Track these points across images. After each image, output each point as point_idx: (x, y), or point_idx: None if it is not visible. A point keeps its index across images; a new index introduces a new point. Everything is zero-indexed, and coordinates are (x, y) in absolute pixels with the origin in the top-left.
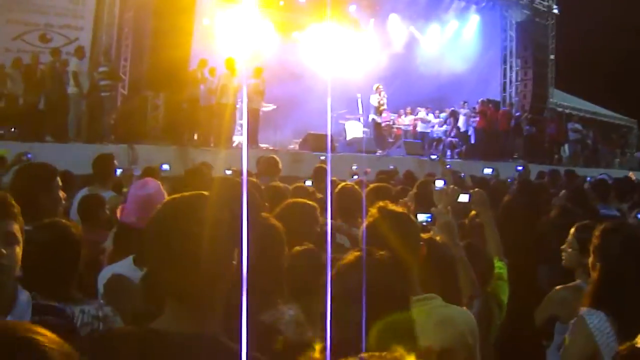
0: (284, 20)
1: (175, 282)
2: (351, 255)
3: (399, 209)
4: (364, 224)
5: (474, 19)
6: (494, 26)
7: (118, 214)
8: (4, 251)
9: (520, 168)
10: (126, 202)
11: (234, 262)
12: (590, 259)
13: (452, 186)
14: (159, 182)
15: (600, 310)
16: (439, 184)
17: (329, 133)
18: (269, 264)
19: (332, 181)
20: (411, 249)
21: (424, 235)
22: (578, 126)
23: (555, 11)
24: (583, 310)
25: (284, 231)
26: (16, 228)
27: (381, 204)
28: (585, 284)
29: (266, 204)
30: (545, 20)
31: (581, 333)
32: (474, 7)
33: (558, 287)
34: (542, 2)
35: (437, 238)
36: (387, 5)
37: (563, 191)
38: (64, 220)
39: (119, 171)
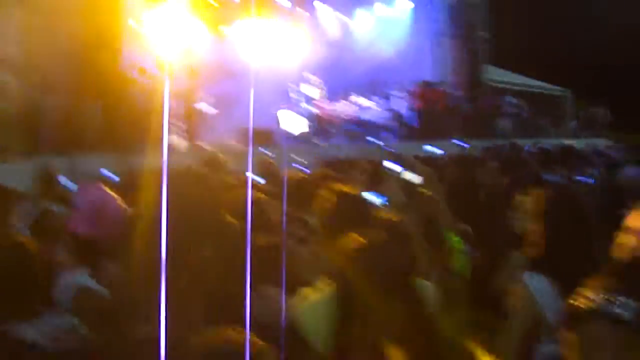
0: (214, 17)
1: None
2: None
3: (354, 191)
4: (322, 207)
5: (404, 1)
6: (425, 6)
7: (69, 225)
8: None
9: (460, 142)
10: (74, 213)
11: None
12: (533, 223)
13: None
14: (106, 189)
15: (541, 274)
16: (389, 165)
17: (250, 126)
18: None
19: (278, 173)
20: (371, 227)
21: (382, 215)
22: (513, 100)
23: None
24: (525, 274)
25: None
26: None
27: (336, 187)
28: None
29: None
30: None
31: (523, 295)
32: None
33: (514, 252)
34: None
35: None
36: None
37: (495, 162)
38: (20, 237)
39: (65, 182)
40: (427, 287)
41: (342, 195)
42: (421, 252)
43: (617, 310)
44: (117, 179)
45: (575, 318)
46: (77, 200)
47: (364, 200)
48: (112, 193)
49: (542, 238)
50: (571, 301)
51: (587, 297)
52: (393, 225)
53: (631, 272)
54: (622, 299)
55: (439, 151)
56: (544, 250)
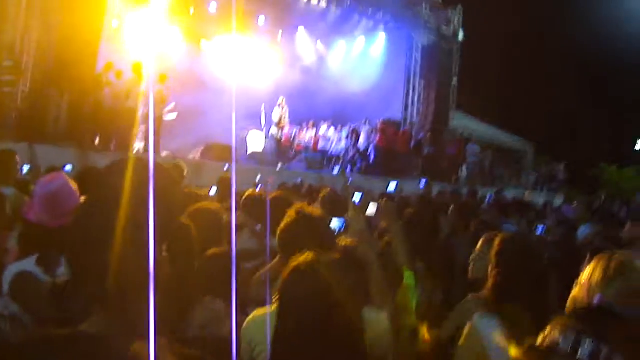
0: (193, 28)
1: (102, 286)
2: (301, 259)
3: (316, 211)
4: (281, 226)
5: (380, 38)
6: (400, 46)
7: (23, 212)
8: None
9: (423, 181)
10: (32, 199)
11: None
12: (490, 267)
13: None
14: (67, 180)
15: (492, 315)
16: (357, 197)
17: (233, 143)
18: (185, 265)
19: (236, 191)
20: (328, 249)
21: (340, 240)
22: (476, 148)
23: (461, 37)
24: (477, 314)
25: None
26: None
27: (298, 206)
28: None
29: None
30: (450, 45)
31: (472, 335)
32: (382, 26)
33: (467, 298)
34: (448, 28)
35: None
36: (296, 19)
37: (452, 206)
38: None
39: (25, 169)
40: (380, 319)
41: (303, 215)
42: (375, 281)
43: (575, 349)
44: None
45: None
46: (37, 187)
47: (325, 223)
48: (73, 184)
49: (498, 281)
50: (528, 342)
51: (548, 336)
52: (350, 250)
53: (585, 318)
54: (581, 338)
55: (399, 187)
56: (498, 293)
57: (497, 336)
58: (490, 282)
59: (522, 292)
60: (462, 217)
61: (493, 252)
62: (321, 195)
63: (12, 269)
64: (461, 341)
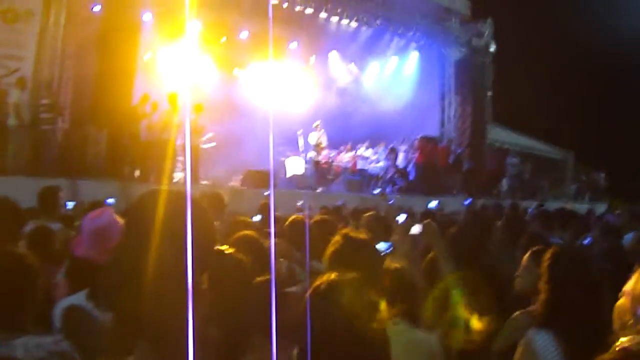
0: (225, 57)
1: (147, 321)
2: (325, 278)
3: (362, 235)
4: (328, 251)
5: (413, 57)
6: (433, 63)
7: (71, 247)
8: None
9: (468, 202)
10: (79, 235)
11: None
12: (540, 282)
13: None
14: (113, 214)
15: (548, 331)
16: (401, 218)
17: (271, 167)
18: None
19: (278, 216)
20: (376, 273)
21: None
22: (515, 160)
23: (492, 49)
24: (531, 331)
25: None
26: None
27: (345, 230)
28: None
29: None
30: (483, 57)
31: (527, 352)
32: (413, 44)
33: (517, 313)
34: (479, 40)
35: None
36: (327, 42)
37: (499, 222)
38: (19, 250)
39: (70, 205)
40: (430, 340)
41: (350, 240)
42: (426, 303)
43: None
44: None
45: None
46: (84, 222)
47: (372, 247)
48: (119, 219)
49: (551, 296)
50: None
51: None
52: (400, 273)
53: None
54: None
55: (440, 205)
56: (552, 309)
57: (552, 352)
58: (542, 297)
59: (576, 306)
60: (509, 231)
61: (544, 265)
62: (365, 218)
63: (63, 305)
64: (517, 358)
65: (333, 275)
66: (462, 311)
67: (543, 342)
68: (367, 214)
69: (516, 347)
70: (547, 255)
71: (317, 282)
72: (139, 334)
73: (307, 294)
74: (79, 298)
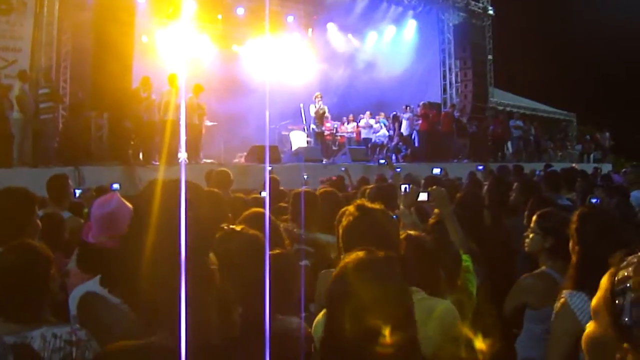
0: (223, 35)
1: (164, 298)
2: (354, 256)
3: (377, 206)
4: (343, 223)
5: (411, 24)
6: (431, 29)
7: (82, 234)
8: None
9: (481, 167)
10: (88, 221)
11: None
12: (570, 243)
13: (412, 186)
14: (122, 199)
15: (581, 291)
16: (405, 188)
17: (267, 143)
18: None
19: (283, 191)
20: (393, 244)
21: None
22: (519, 123)
23: (491, 12)
24: (565, 292)
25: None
26: None
27: (359, 201)
28: (550, 269)
29: (229, 214)
30: (482, 21)
31: (565, 314)
32: (410, 12)
33: (524, 275)
34: (477, 4)
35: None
36: (324, 14)
37: (516, 183)
38: (32, 241)
39: (77, 192)
40: (450, 309)
41: (365, 211)
42: (441, 271)
43: None
44: (122, 190)
45: None
46: (93, 209)
47: (388, 217)
48: (128, 203)
49: (582, 258)
50: None
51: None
52: (415, 242)
53: None
54: None
55: (444, 172)
56: (585, 270)
57: (589, 312)
58: (574, 259)
59: (607, 266)
60: (524, 194)
61: (572, 228)
62: (367, 190)
63: (78, 292)
64: (554, 320)
65: (361, 254)
66: (471, 278)
67: (579, 302)
68: (369, 187)
69: (524, 308)
70: (575, 217)
71: (346, 260)
72: (155, 317)
73: (336, 272)
74: (93, 284)
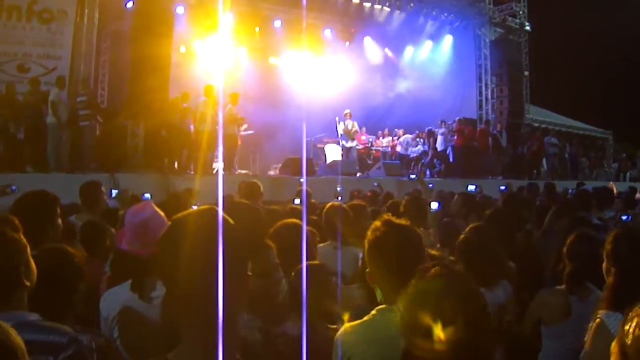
0: (260, 46)
1: (197, 307)
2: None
3: (403, 221)
4: (369, 237)
5: (447, 39)
6: (468, 45)
7: (115, 241)
8: None
9: (503, 188)
10: (122, 228)
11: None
12: (604, 264)
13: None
14: (156, 208)
15: (617, 312)
16: (434, 205)
17: (303, 155)
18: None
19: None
20: (419, 259)
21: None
22: (555, 140)
23: (528, 28)
24: (601, 313)
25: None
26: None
27: (385, 216)
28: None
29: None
30: (518, 37)
31: (601, 335)
32: (447, 27)
33: (542, 290)
34: (514, 19)
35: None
36: (361, 28)
37: (538, 201)
38: (66, 247)
39: (114, 192)
40: None
41: (392, 226)
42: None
43: None
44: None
45: None
46: (127, 216)
47: (415, 233)
48: (161, 212)
49: (618, 279)
50: None
51: None
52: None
53: None
54: None
55: (479, 189)
56: (620, 290)
57: None
58: (609, 280)
59: None
60: (560, 215)
61: (607, 248)
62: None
63: (109, 295)
64: (588, 341)
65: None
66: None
67: (616, 324)
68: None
69: (538, 323)
70: (609, 238)
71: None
72: (187, 324)
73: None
74: (123, 289)
